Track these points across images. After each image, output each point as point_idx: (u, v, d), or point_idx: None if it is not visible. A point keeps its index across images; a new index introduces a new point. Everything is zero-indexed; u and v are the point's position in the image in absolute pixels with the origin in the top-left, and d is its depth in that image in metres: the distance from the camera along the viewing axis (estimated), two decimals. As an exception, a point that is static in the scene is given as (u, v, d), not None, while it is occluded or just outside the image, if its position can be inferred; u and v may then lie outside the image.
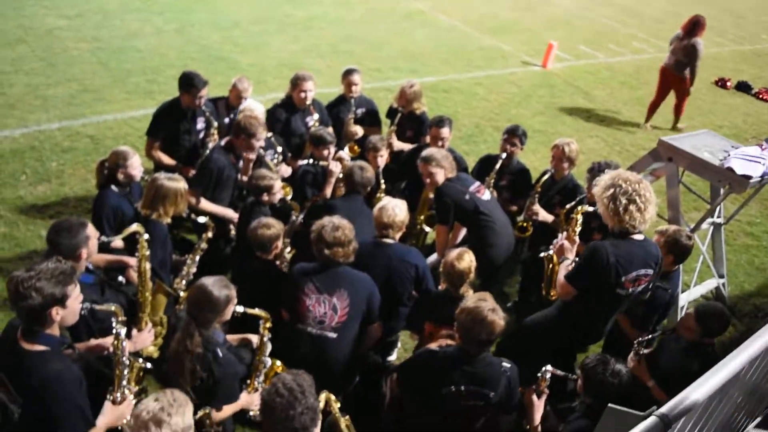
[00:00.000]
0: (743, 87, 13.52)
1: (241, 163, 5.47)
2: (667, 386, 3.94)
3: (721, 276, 6.40)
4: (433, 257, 5.38)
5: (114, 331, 3.27)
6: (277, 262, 4.62)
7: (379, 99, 7.67)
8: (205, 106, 5.89)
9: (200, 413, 3.22)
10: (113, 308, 3.37)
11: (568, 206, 5.35)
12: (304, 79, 6.15)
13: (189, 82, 5.70)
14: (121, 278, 4.55)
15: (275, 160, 5.77)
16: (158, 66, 9.95)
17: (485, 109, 10.48)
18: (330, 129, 5.98)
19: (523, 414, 3.73)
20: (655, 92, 10.54)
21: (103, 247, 4.05)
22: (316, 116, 6.33)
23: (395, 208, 4.45)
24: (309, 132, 6.06)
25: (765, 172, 5.11)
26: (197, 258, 4.72)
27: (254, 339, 3.96)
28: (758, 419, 4.06)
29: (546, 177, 5.66)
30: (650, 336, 4.22)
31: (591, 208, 4.50)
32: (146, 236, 4.08)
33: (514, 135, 5.90)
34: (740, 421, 3.79)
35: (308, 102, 6.23)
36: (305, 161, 5.73)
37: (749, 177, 5.05)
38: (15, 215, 6.11)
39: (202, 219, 4.80)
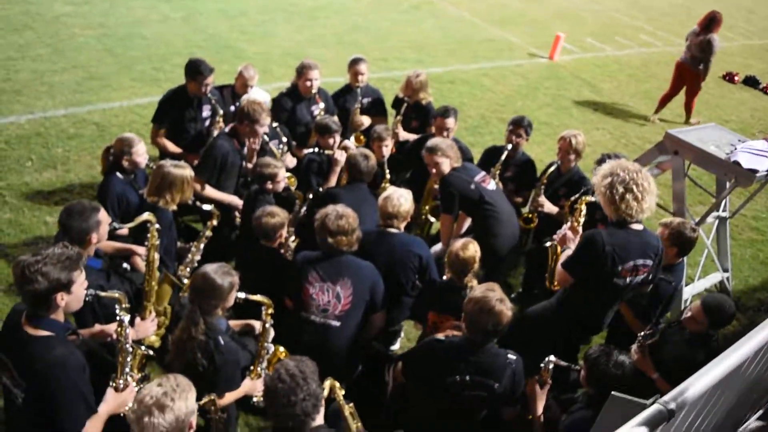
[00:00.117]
0: (751, 81, 13.45)
1: (245, 150, 5.47)
2: (670, 378, 3.94)
3: (725, 270, 6.39)
4: (438, 247, 5.37)
5: (117, 318, 3.28)
6: (282, 251, 4.63)
7: (385, 89, 7.65)
8: (211, 93, 5.89)
9: (204, 399, 3.23)
10: (117, 295, 3.37)
11: (573, 198, 5.34)
12: (309, 68, 6.13)
13: (195, 70, 5.69)
14: (125, 265, 4.56)
15: (280, 150, 5.76)
16: (164, 54, 9.94)
17: (491, 100, 10.45)
18: (335, 118, 5.97)
19: (525, 404, 3.73)
20: (669, 86, 10.51)
21: (109, 234, 4.05)
22: (321, 105, 6.32)
23: (400, 198, 4.44)
24: (314, 121, 6.06)
25: (772, 166, 5.09)
26: (202, 246, 4.72)
27: (257, 325, 3.98)
28: (760, 411, 4.07)
29: (552, 169, 5.64)
30: (654, 329, 4.22)
31: (595, 199, 4.49)
32: (157, 226, 4.09)
33: (519, 126, 5.88)
34: (743, 413, 3.80)
35: (314, 91, 6.22)
36: (310, 150, 5.73)
37: (755, 171, 5.04)
38: (21, 201, 6.13)
39: (207, 207, 4.80)
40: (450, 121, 5.85)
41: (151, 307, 4.07)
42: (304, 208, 5.33)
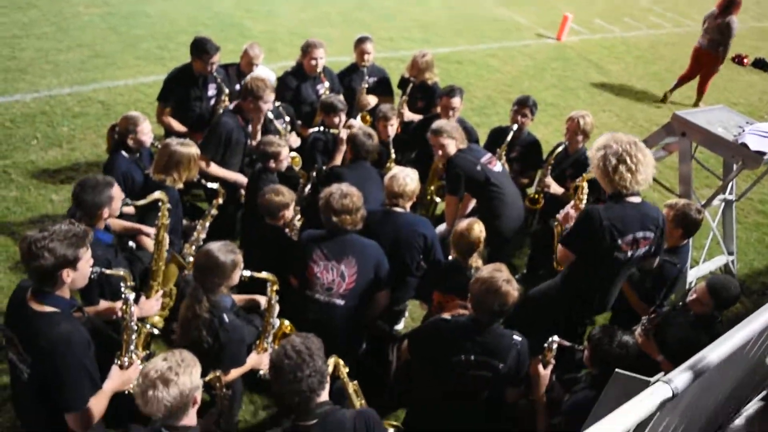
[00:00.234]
0: (760, 64, 13.35)
1: (250, 127, 5.46)
2: (675, 361, 3.94)
3: (730, 253, 6.37)
4: (442, 227, 5.37)
5: (123, 296, 3.30)
6: (287, 230, 4.63)
7: (391, 69, 7.60)
8: (217, 72, 5.87)
9: (210, 375, 3.26)
10: (122, 273, 3.39)
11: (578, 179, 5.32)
12: (314, 47, 6.10)
13: (201, 48, 5.67)
14: (131, 243, 4.58)
15: (284, 128, 5.74)
16: (169, 32, 9.90)
17: (498, 81, 10.39)
18: (341, 97, 5.94)
19: (529, 385, 3.74)
20: (687, 69, 10.46)
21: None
22: (326, 84, 6.30)
23: (406, 178, 4.43)
24: (319, 100, 6.03)
25: (779, 148, 5.05)
26: (207, 224, 4.73)
27: (262, 300, 4.00)
28: (763, 393, 4.08)
29: (559, 150, 5.60)
30: (658, 311, 4.22)
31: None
32: (168, 205, 4.09)
33: (524, 106, 5.84)
34: (745, 394, 3.81)
35: (319, 69, 6.19)
36: (316, 129, 5.71)
37: (763, 153, 4.99)
38: (26, 179, 6.14)
39: (212, 184, 4.80)
40: (455, 101, 5.81)
41: (157, 287, 4.09)
42: (308, 187, 5.33)
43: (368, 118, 6.50)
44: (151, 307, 3.94)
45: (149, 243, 4.39)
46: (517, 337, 3.55)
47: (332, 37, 10.00)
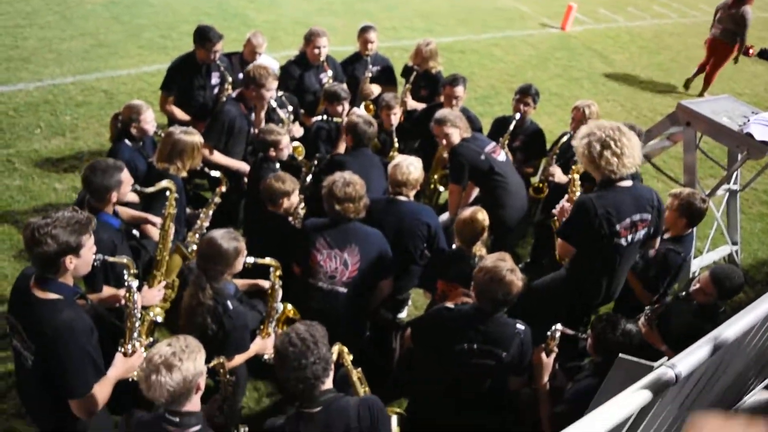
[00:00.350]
0: (766, 55, 13.27)
1: (253, 115, 5.45)
2: (678, 350, 3.93)
3: (734, 243, 6.36)
4: (446, 216, 5.36)
5: (126, 283, 3.31)
6: (290, 219, 4.63)
7: (395, 59, 7.58)
8: (220, 60, 5.85)
9: (214, 362, 3.26)
10: (125, 261, 3.39)
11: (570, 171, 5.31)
12: (317, 35, 6.07)
13: (204, 36, 5.64)
14: (135, 232, 4.58)
15: (287, 117, 5.73)
16: (172, 21, 9.89)
17: (501, 70, 10.36)
18: (344, 85, 5.93)
19: (532, 374, 3.75)
20: (704, 58, 10.52)
21: (122, 202, 4.07)
22: (329, 73, 6.28)
23: (410, 166, 4.42)
24: (323, 88, 6.02)
25: (785, 138, 5.03)
26: (210, 212, 4.72)
27: (265, 285, 4.00)
28: (766, 381, 4.07)
29: (565, 139, 5.59)
30: (661, 301, 4.21)
31: None
32: (176, 195, 4.09)
33: (526, 94, 5.81)
34: (748, 382, 3.81)
35: (322, 58, 6.17)
36: (319, 117, 5.70)
37: (768, 143, 4.98)
38: (30, 168, 6.15)
39: (214, 173, 4.80)
40: (459, 90, 5.79)
41: (160, 277, 4.09)
42: (310, 176, 5.32)
43: (371, 107, 6.48)
44: (153, 297, 3.93)
45: (154, 232, 4.39)
46: (520, 326, 3.54)
47: (335, 27, 9.97)
